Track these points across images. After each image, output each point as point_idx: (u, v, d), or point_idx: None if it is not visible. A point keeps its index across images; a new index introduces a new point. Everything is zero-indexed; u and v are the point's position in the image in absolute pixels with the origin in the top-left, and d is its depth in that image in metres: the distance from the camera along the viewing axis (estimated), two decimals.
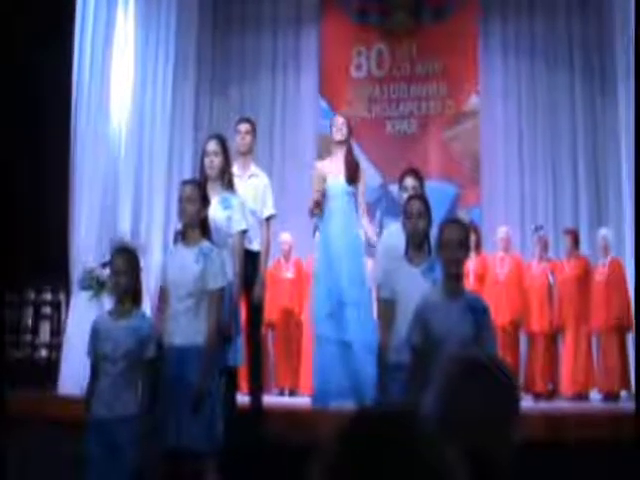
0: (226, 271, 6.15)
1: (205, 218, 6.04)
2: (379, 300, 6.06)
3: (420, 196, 6.26)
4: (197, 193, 5.99)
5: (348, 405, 7.30)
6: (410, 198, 6.18)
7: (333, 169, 7.97)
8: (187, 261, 5.82)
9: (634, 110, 8.11)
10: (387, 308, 5.79)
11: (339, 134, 8.09)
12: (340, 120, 8.23)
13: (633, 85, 8.23)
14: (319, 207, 7.87)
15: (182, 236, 6.10)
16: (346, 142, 8.11)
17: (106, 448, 5.32)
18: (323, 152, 11.31)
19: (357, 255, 7.95)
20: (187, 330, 5.72)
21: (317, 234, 10.18)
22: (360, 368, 7.58)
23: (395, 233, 6.41)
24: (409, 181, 6.92)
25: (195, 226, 5.95)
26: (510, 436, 2.21)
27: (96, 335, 5.56)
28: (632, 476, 6.07)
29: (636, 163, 7.97)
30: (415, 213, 5.82)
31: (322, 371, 7.83)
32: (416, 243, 5.79)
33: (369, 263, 8.85)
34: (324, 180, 7.91)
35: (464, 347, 4.72)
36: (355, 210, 8.00)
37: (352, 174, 7.95)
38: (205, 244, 5.91)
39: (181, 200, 5.98)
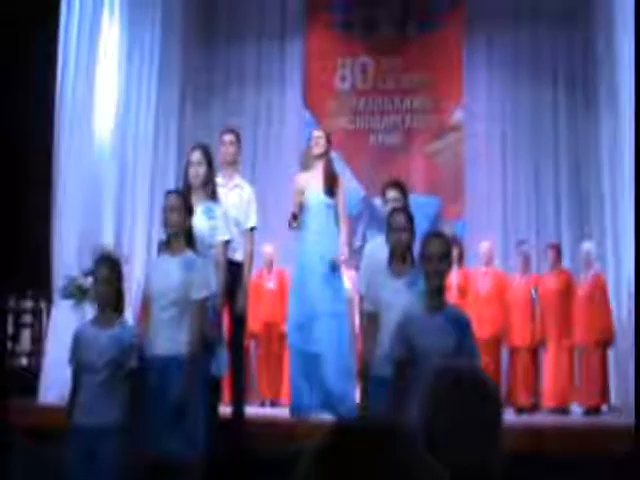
0: (209, 281, 6.16)
1: (189, 228, 6.04)
2: (363, 312, 6.07)
3: (403, 209, 6.29)
4: (181, 203, 6.00)
5: (325, 416, 7.32)
6: (393, 211, 6.19)
7: (312, 182, 7.98)
8: (171, 270, 5.82)
9: (634, 121, 8.13)
10: (370, 321, 5.80)
11: (317, 148, 8.12)
12: (318, 134, 8.27)
13: (633, 100, 8.24)
14: (296, 220, 7.89)
15: (166, 245, 6.10)
16: (325, 155, 8.13)
17: (87, 457, 5.31)
18: (306, 164, 11.35)
19: (332, 267, 7.93)
20: (170, 340, 5.72)
21: None
22: (331, 380, 7.60)
23: (379, 246, 6.42)
24: (391, 193, 6.95)
25: (179, 236, 5.95)
26: (496, 448, 2.22)
27: (78, 344, 5.55)
28: None
29: (636, 175, 7.98)
30: (398, 226, 5.83)
31: (295, 382, 7.85)
32: (399, 256, 5.81)
33: (352, 275, 8.88)
34: (301, 193, 7.93)
35: (447, 360, 4.74)
36: (334, 222, 8.00)
37: (330, 186, 7.96)
38: (189, 254, 5.92)
39: (165, 210, 5.99)
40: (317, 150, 8.11)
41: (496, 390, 2.33)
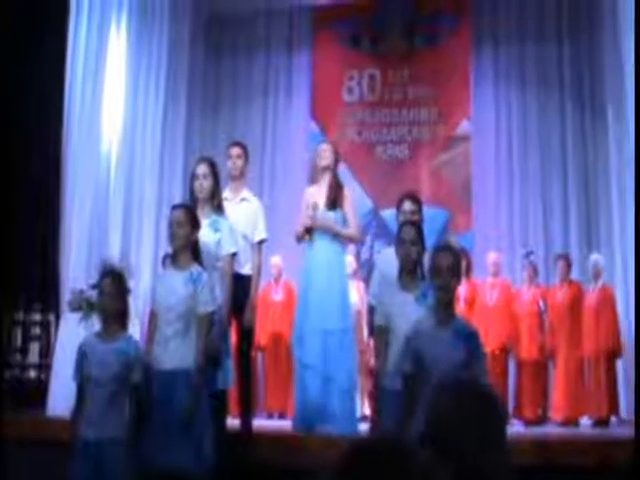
0: (216, 295, 6.17)
1: (196, 242, 6.05)
2: (374, 326, 6.05)
3: (413, 222, 6.28)
4: (187, 217, 6.01)
5: (331, 431, 7.28)
6: (403, 224, 6.19)
7: (319, 195, 7.91)
8: (177, 285, 5.83)
9: (634, 133, 8.13)
10: (381, 334, 5.80)
11: (323, 160, 8.03)
12: (324, 147, 8.19)
13: (633, 109, 8.25)
14: (309, 233, 7.82)
15: (172, 259, 6.10)
16: (331, 168, 8.07)
17: (93, 470, 5.32)
18: (314, 177, 11.36)
19: (340, 282, 7.88)
20: (176, 354, 5.73)
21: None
22: (333, 395, 7.54)
23: (388, 259, 6.41)
24: (407, 205, 6.95)
25: (186, 250, 5.95)
26: (501, 459, 2.21)
27: (83, 357, 5.57)
28: None
29: (636, 186, 7.97)
30: (408, 239, 5.82)
31: (299, 396, 7.78)
32: (409, 269, 5.80)
33: (360, 287, 8.81)
34: (314, 206, 7.82)
35: (449, 373, 4.74)
36: (339, 237, 7.93)
37: (333, 199, 7.87)
38: (195, 268, 5.92)
39: (171, 224, 5.99)
40: (323, 162, 8.02)
41: (498, 401, 2.32)
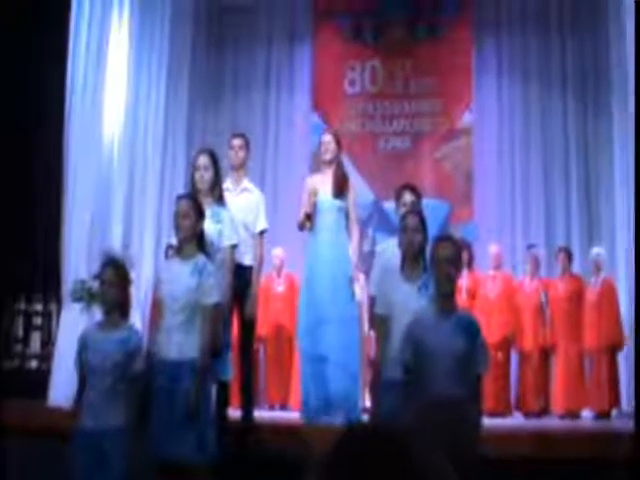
0: (221, 286, 6.16)
1: (201, 232, 6.03)
2: (375, 316, 6.05)
3: (416, 211, 6.28)
4: (192, 207, 5.99)
5: (334, 420, 7.30)
6: (407, 213, 6.20)
7: (323, 185, 7.91)
8: (182, 275, 5.81)
9: (634, 125, 8.12)
10: (382, 324, 5.79)
11: (327, 154, 8.04)
12: (327, 138, 8.15)
13: (633, 103, 8.24)
14: (309, 220, 7.83)
15: (178, 250, 6.09)
16: (335, 159, 8.09)
17: (94, 460, 5.31)
18: (316, 168, 11.37)
19: (344, 271, 7.88)
20: (180, 344, 5.71)
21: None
22: (337, 384, 7.57)
23: (390, 249, 6.40)
24: (407, 196, 6.94)
25: (190, 240, 5.94)
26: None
27: (84, 347, 5.56)
28: None
29: (636, 181, 7.97)
30: (411, 227, 5.83)
31: (305, 387, 7.82)
32: (412, 257, 5.79)
33: (361, 278, 8.81)
34: (315, 194, 7.83)
35: (457, 365, 4.75)
36: (345, 225, 7.95)
37: (340, 189, 7.90)
38: (200, 258, 5.90)
39: (177, 215, 5.97)
40: (327, 156, 8.02)
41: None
